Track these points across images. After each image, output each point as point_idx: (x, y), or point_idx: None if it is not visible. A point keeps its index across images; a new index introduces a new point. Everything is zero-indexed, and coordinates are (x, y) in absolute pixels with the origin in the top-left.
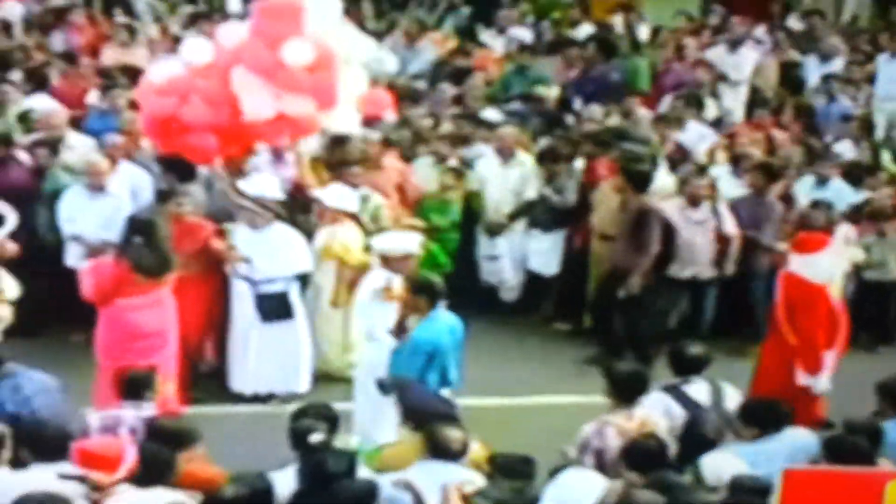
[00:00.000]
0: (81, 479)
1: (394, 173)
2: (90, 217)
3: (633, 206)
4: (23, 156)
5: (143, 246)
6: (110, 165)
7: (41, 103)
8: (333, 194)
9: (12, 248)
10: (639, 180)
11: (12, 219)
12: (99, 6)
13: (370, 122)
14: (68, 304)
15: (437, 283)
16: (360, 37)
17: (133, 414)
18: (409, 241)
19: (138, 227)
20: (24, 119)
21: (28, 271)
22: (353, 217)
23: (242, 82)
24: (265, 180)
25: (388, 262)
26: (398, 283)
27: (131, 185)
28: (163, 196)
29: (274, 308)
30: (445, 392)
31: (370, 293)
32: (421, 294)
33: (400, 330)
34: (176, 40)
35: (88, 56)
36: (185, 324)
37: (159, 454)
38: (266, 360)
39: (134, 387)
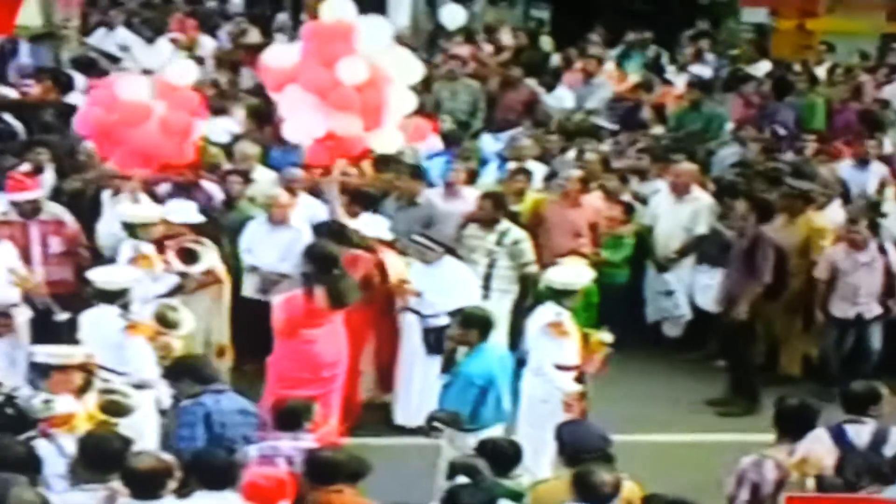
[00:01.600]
0: None
1: (590, 211)
2: (269, 249)
3: (749, 234)
4: (208, 185)
5: (336, 277)
6: (291, 198)
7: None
8: (367, 224)
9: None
10: (763, 209)
11: (209, 257)
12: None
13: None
14: (244, 333)
15: (487, 316)
16: (410, 59)
17: (291, 444)
18: (580, 276)
19: (318, 258)
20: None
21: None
22: (389, 244)
23: (292, 103)
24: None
25: (557, 295)
26: (568, 318)
27: (309, 218)
28: (339, 228)
29: (441, 341)
30: (499, 425)
31: (539, 328)
32: (471, 327)
33: (448, 363)
34: None
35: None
36: (351, 355)
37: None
38: (431, 392)
39: (292, 417)
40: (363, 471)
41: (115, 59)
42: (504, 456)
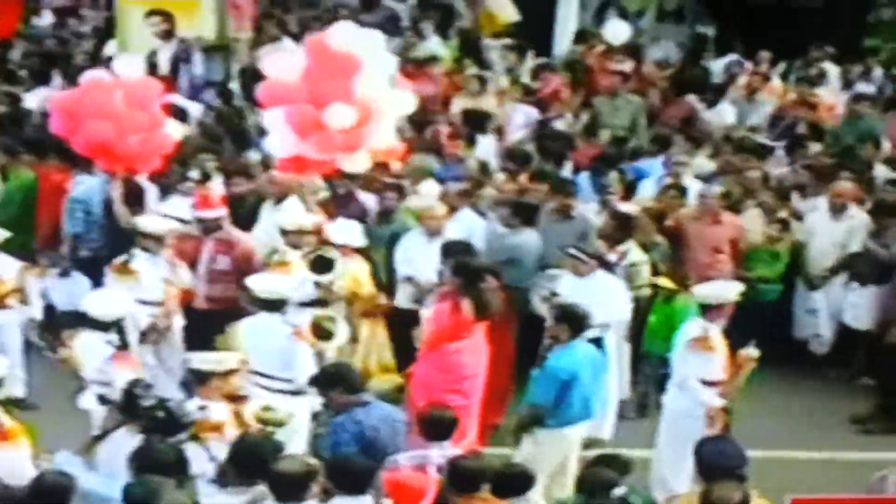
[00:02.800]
0: None
1: (730, 228)
2: (425, 260)
3: None
4: (363, 195)
5: (482, 289)
6: (449, 212)
7: None
8: (339, 229)
9: (341, 287)
10: None
11: (341, 265)
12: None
13: None
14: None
15: (581, 313)
16: (405, 96)
17: (439, 453)
18: (729, 291)
19: (465, 270)
20: None
21: None
22: (361, 251)
23: (275, 121)
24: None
25: (705, 310)
26: (715, 333)
27: (467, 231)
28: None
29: None
30: (583, 423)
31: (686, 342)
32: (563, 322)
33: (541, 359)
34: (526, 91)
35: (439, 106)
36: (490, 366)
37: None
38: None
39: (440, 427)
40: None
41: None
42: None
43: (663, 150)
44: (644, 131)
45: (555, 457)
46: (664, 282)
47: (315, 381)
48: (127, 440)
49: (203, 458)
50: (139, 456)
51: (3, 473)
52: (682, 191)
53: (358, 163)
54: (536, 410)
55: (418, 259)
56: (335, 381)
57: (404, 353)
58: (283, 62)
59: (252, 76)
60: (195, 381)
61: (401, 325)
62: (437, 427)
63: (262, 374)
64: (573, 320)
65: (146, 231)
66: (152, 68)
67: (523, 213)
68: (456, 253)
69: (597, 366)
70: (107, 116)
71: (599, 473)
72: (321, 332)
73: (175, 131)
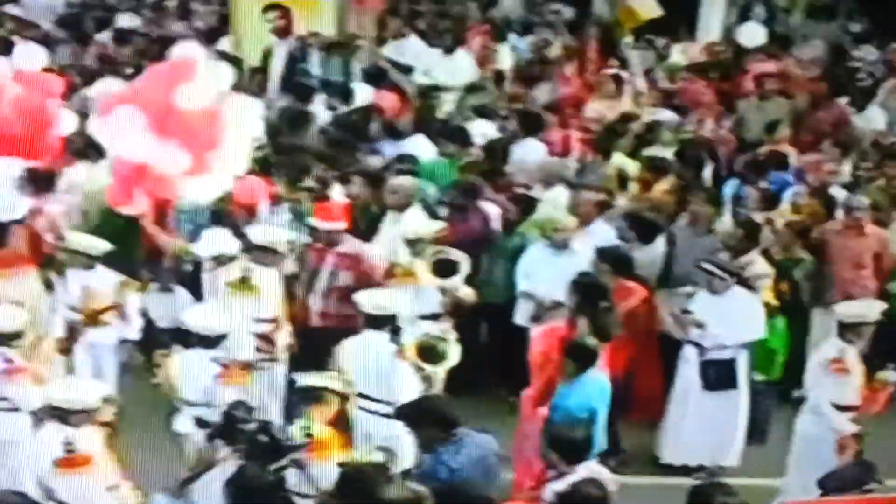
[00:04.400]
0: None
1: (874, 241)
2: (547, 274)
3: None
4: (487, 206)
5: (602, 310)
6: (579, 223)
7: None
8: (259, 232)
9: (469, 293)
10: None
11: (465, 266)
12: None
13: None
14: (510, 362)
15: (590, 347)
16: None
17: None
18: (870, 310)
19: (586, 288)
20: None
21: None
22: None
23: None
24: None
25: (844, 330)
26: (852, 354)
27: (597, 244)
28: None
29: (720, 376)
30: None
31: (820, 364)
32: (569, 357)
33: (545, 396)
34: (666, 94)
35: (572, 108)
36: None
37: None
38: (702, 430)
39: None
40: None
41: (407, 70)
42: None
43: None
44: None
45: None
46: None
47: (402, 414)
48: (225, 469)
49: (303, 482)
50: (235, 483)
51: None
52: (829, 201)
53: (202, 188)
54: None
55: (540, 274)
56: (424, 416)
57: (520, 372)
58: None
59: (375, 76)
60: (302, 401)
61: (515, 342)
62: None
63: (366, 397)
64: (581, 354)
65: (261, 243)
66: (264, 66)
67: (641, 229)
68: (610, 259)
69: (605, 396)
70: None
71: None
72: (431, 354)
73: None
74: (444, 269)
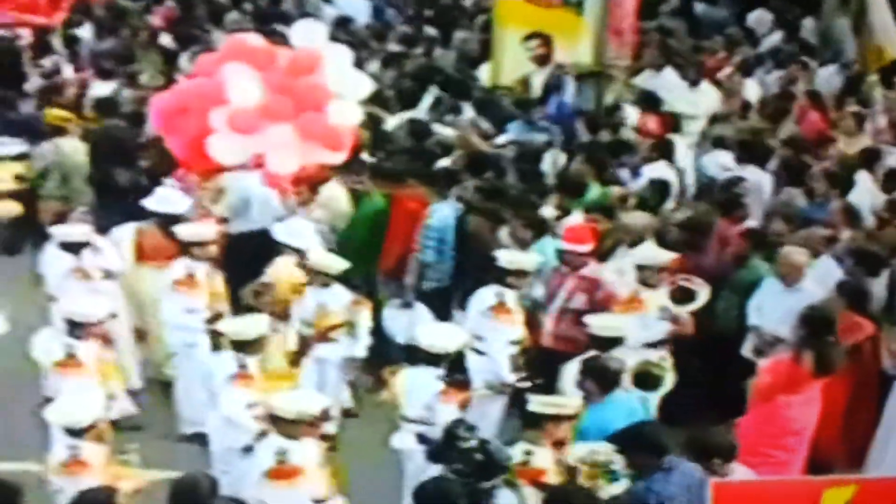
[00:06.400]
0: None
1: None
2: (775, 311)
3: None
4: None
5: (828, 343)
6: (807, 260)
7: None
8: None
9: (687, 322)
10: None
11: (704, 295)
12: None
13: None
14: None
15: (611, 367)
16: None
17: None
18: None
19: (814, 321)
20: None
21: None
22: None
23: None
24: None
25: None
26: None
27: (821, 282)
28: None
29: None
30: None
31: None
32: (587, 377)
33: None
34: None
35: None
36: (820, 425)
37: None
38: None
39: None
40: None
41: (657, 102)
42: None
43: None
44: None
45: None
46: None
47: (618, 439)
48: None
49: None
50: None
51: None
52: None
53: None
54: None
55: (769, 308)
56: (638, 442)
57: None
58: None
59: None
60: (526, 423)
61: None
62: None
63: None
64: (600, 375)
65: (512, 267)
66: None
67: (867, 263)
68: (848, 293)
69: (636, 417)
70: None
71: None
72: (646, 380)
73: None
74: (681, 296)
